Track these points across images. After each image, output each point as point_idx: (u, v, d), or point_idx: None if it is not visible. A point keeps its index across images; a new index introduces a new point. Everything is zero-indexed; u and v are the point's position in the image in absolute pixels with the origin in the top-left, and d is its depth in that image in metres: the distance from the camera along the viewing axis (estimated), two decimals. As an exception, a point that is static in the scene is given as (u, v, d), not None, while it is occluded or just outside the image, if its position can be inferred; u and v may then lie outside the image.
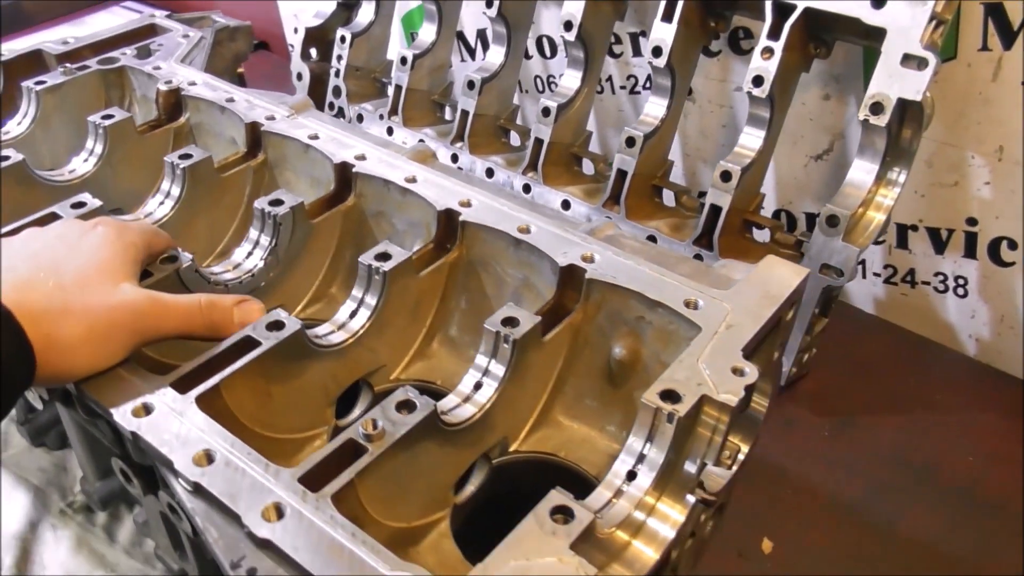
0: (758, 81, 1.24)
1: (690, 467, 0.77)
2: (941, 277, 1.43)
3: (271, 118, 1.18)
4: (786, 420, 1.29)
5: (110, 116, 1.17)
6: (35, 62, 1.33)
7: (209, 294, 0.89)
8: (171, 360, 0.87)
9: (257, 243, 1.01)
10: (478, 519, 0.92)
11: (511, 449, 0.91)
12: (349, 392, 0.95)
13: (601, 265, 0.91)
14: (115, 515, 1.17)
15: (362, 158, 1.09)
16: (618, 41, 1.61)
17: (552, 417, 0.95)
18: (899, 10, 1.13)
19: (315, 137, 1.13)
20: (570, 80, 1.48)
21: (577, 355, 0.94)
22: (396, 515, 0.79)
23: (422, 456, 0.78)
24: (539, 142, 1.47)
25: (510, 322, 0.85)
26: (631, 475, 0.76)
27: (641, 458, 0.76)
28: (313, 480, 0.70)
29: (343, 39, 1.71)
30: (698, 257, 1.31)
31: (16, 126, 1.25)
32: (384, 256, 0.93)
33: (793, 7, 1.21)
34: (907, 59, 1.12)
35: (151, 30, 1.49)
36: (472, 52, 1.84)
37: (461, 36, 1.84)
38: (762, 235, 1.41)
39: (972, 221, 1.34)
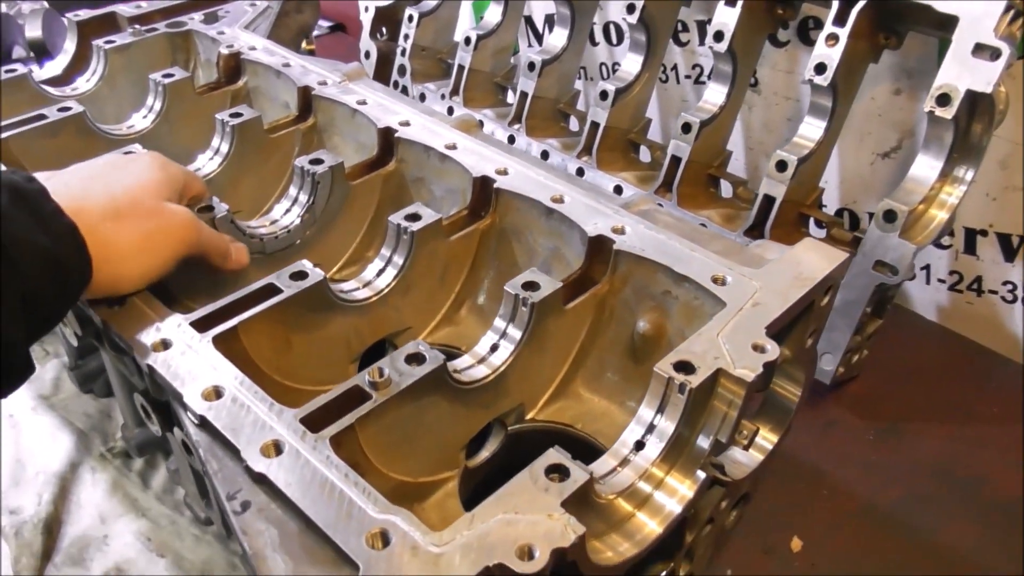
0: (820, 68, 1.20)
1: (703, 442, 0.75)
2: (1010, 286, 1.36)
3: (323, 83, 1.19)
4: (828, 421, 1.25)
5: (170, 75, 1.20)
6: (108, 23, 1.37)
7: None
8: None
9: (296, 200, 1.02)
10: (492, 487, 0.91)
11: (528, 417, 0.90)
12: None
13: (631, 237, 0.90)
14: (151, 463, 1.20)
15: (406, 124, 1.09)
16: (685, 29, 1.58)
17: (572, 388, 0.93)
18: (973, -3, 1.08)
19: (363, 103, 1.14)
20: (631, 64, 1.46)
21: (602, 327, 0.92)
22: (401, 468, 0.78)
23: (429, 411, 0.78)
24: (595, 126, 1.46)
25: (530, 286, 0.84)
26: (639, 445, 0.74)
27: (651, 428, 0.74)
28: (314, 422, 0.70)
29: (410, 18, 1.73)
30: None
31: (84, 82, 1.30)
32: (414, 217, 0.93)
33: (861, -8, 1.17)
34: (979, 49, 1.07)
35: (221, -2, 1.53)
36: (540, 37, 1.83)
37: (529, 21, 1.83)
38: (819, 231, 1.36)
39: (1047, 228, 1.28)
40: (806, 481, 1.16)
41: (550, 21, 1.79)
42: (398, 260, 0.94)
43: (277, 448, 0.68)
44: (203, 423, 0.71)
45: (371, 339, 0.94)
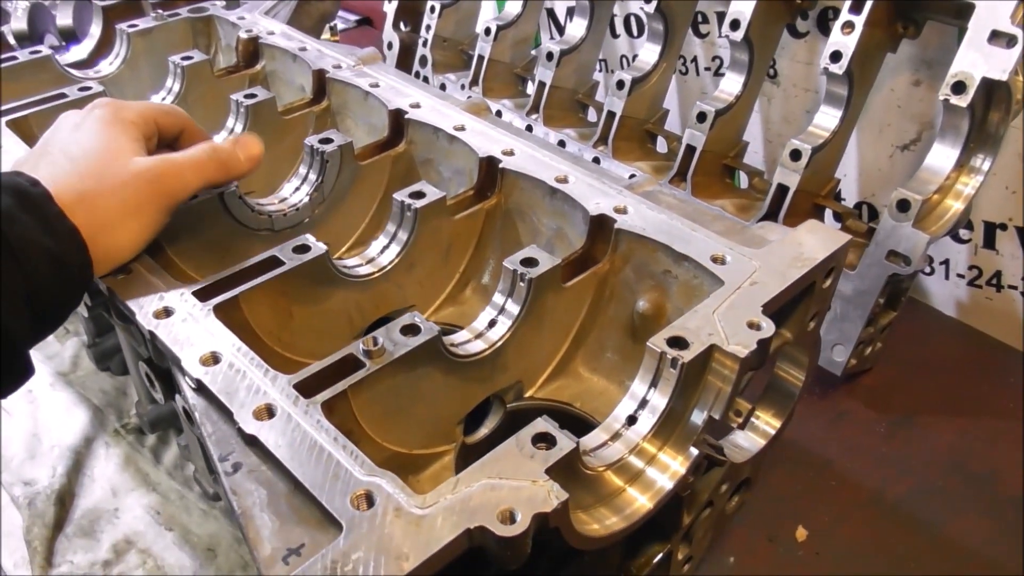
0: (836, 57, 1.20)
1: (696, 418, 0.75)
2: (1030, 282, 1.34)
3: (338, 67, 1.21)
4: (839, 412, 1.24)
5: (189, 57, 1.23)
6: (133, 8, 1.40)
7: (208, 142, 0.92)
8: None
9: (305, 179, 1.03)
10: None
11: (527, 395, 0.91)
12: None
13: (632, 217, 0.90)
14: (163, 439, 1.22)
15: (416, 106, 1.10)
16: (705, 20, 1.58)
17: (572, 367, 0.93)
18: (990, -15, 1.07)
19: (376, 85, 1.15)
20: (648, 54, 1.46)
21: (602, 307, 0.93)
22: (396, 439, 0.79)
23: (424, 382, 0.79)
24: (611, 115, 1.46)
25: (529, 262, 0.84)
26: (631, 419, 0.74)
27: (643, 403, 0.74)
28: (308, 388, 0.71)
29: (432, 9, 1.74)
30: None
31: (108, 66, 1.33)
32: (418, 194, 0.94)
33: (879, -20, 1.16)
34: (995, 36, 1.06)
35: (244, -15, 1.55)
36: (561, 29, 1.84)
37: (551, 13, 1.84)
38: (835, 223, 1.35)
39: (1067, 222, 1.26)
40: (814, 471, 1.15)
41: (571, 13, 1.79)
42: (402, 237, 0.94)
43: (269, 411, 0.69)
44: (200, 387, 0.73)
45: (373, 315, 0.95)
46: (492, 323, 0.84)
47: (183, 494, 1.15)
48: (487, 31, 1.64)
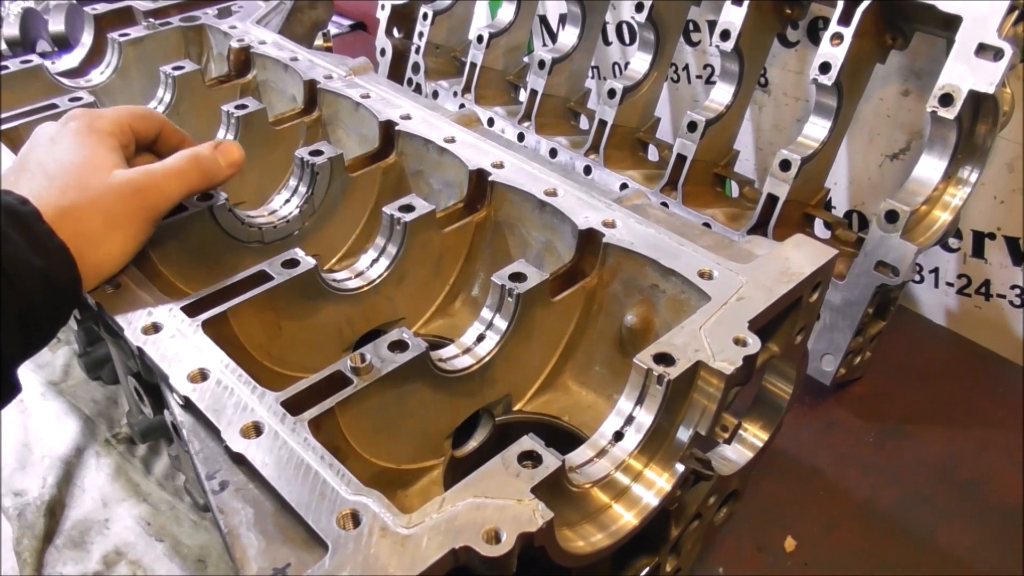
0: (825, 68, 1.20)
1: (682, 435, 0.75)
2: (1018, 291, 1.35)
3: (329, 77, 1.21)
4: (829, 421, 1.24)
5: (180, 67, 1.23)
6: (125, 17, 1.40)
7: (190, 148, 0.92)
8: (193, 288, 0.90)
9: (295, 191, 1.03)
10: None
11: (515, 408, 0.91)
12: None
13: (620, 231, 0.90)
14: (154, 449, 1.22)
15: (407, 118, 1.11)
16: (696, 29, 1.58)
17: (561, 381, 0.94)
18: (977, -3, 1.07)
19: (366, 96, 1.15)
20: (639, 63, 1.47)
21: (591, 320, 0.93)
22: (384, 454, 0.79)
23: (412, 398, 0.79)
24: (602, 124, 1.46)
25: (517, 277, 0.84)
26: (618, 436, 0.75)
27: (630, 420, 0.74)
28: (295, 405, 0.72)
29: (425, 16, 1.74)
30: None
31: (99, 75, 1.33)
32: (408, 208, 0.94)
33: (867, -8, 1.16)
34: (982, 49, 1.07)
35: (236, -7, 1.55)
36: (554, 36, 1.84)
37: (544, 20, 1.84)
38: (825, 232, 1.36)
39: (1055, 232, 1.27)
40: (803, 480, 1.16)
41: (564, 20, 1.79)
42: (391, 250, 0.95)
43: (257, 429, 0.69)
44: (187, 404, 0.73)
45: (364, 328, 0.95)
46: (480, 338, 0.85)
47: (173, 504, 1.15)
48: (479, 38, 1.64)
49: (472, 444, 0.90)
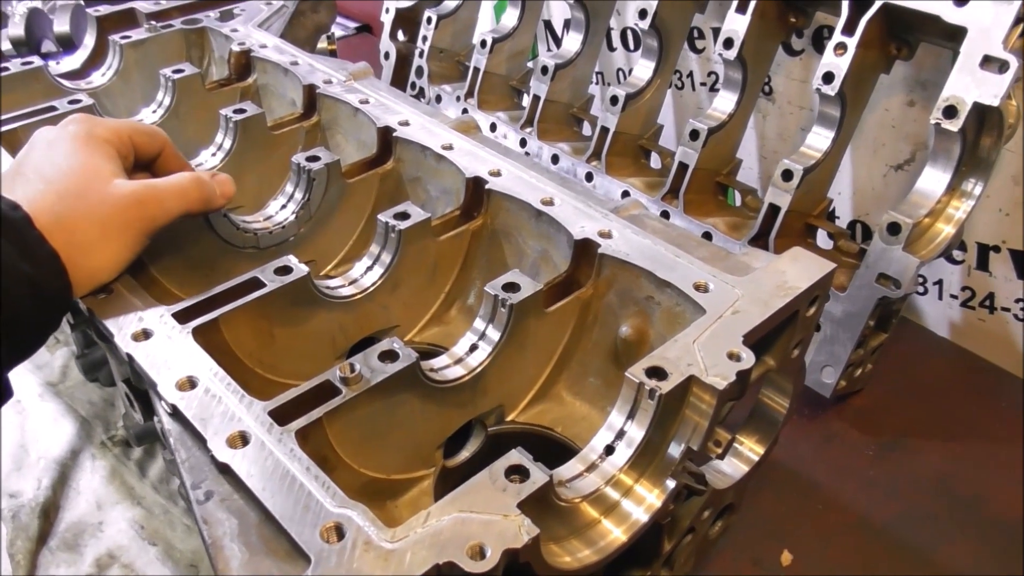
0: (828, 78, 1.19)
1: (674, 450, 0.74)
2: (1022, 304, 1.33)
3: (328, 82, 1.21)
4: (828, 434, 1.23)
5: (180, 70, 1.22)
6: (128, 19, 1.40)
7: (191, 172, 0.92)
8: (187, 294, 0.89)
9: (291, 197, 1.03)
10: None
11: (508, 419, 0.90)
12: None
13: (616, 242, 0.89)
14: (149, 452, 1.21)
15: (405, 124, 1.10)
16: (700, 36, 1.57)
17: (555, 392, 0.93)
18: (982, 9, 1.06)
19: (365, 102, 1.15)
20: (642, 70, 1.46)
21: (585, 331, 0.92)
22: (373, 464, 0.79)
23: (402, 408, 0.78)
24: (604, 131, 1.45)
25: (511, 287, 0.84)
26: (608, 450, 0.74)
27: (621, 434, 0.74)
28: (282, 415, 0.71)
29: (429, 20, 1.74)
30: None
31: (100, 77, 1.33)
32: (403, 215, 0.94)
33: (871, 1, 1.15)
34: (987, 61, 1.05)
35: (238, -5, 1.55)
36: (558, 41, 1.83)
37: (548, 25, 1.83)
38: (827, 242, 1.35)
39: (1061, 245, 1.25)
40: (801, 494, 1.15)
41: (568, 26, 1.79)
42: (385, 258, 0.94)
43: (243, 439, 0.69)
44: (175, 412, 0.72)
45: (357, 336, 0.94)
46: (472, 348, 0.84)
47: (167, 508, 1.14)
48: (483, 43, 1.64)
49: (464, 454, 0.89)
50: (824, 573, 1.05)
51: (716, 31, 1.54)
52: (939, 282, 1.41)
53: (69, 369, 1.36)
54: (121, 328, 0.80)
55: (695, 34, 1.57)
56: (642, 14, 1.40)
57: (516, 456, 0.66)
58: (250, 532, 0.64)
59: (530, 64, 1.71)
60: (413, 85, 1.80)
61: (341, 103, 1.17)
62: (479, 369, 0.83)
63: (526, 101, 1.61)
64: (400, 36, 1.86)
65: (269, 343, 0.87)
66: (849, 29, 1.17)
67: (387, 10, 1.84)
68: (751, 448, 0.96)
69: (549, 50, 1.86)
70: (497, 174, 1.00)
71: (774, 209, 1.25)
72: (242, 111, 1.12)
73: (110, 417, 1.28)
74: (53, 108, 1.12)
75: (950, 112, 1.08)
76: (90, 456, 1.21)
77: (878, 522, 1.11)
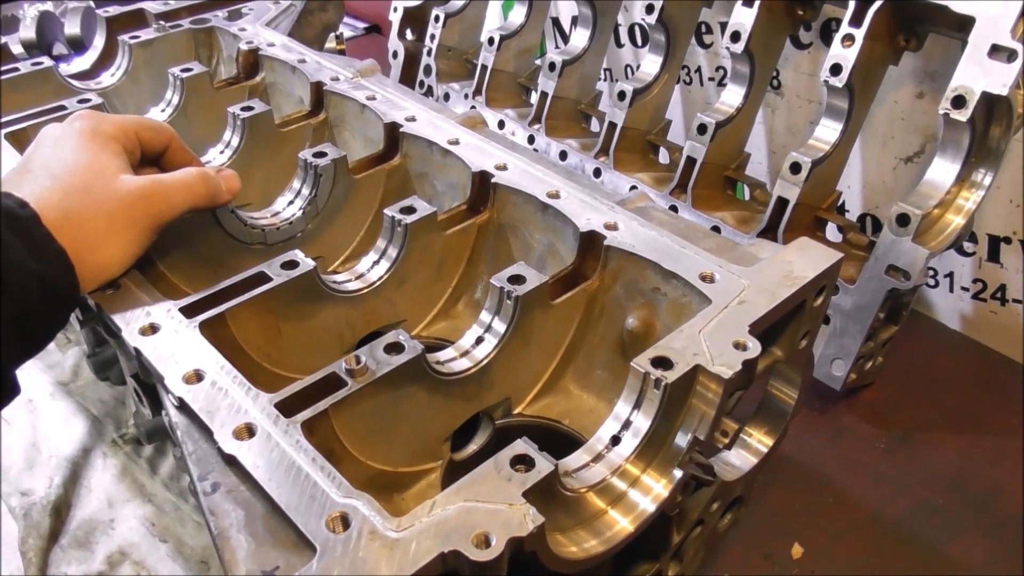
0: (836, 70, 1.18)
1: (680, 440, 0.74)
2: (1034, 296, 1.33)
3: (335, 79, 1.21)
4: (838, 428, 1.22)
5: (188, 69, 1.23)
6: (137, 20, 1.41)
7: (198, 167, 0.92)
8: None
9: (298, 193, 1.03)
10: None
11: (515, 412, 0.90)
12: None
13: (622, 233, 0.89)
14: (160, 450, 1.22)
15: (412, 120, 1.10)
16: (708, 31, 1.57)
17: (562, 384, 0.93)
18: (991, -2, 1.05)
19: (372, 98, 1.15)
20: (650, 65, 1.46)
21: (592, 324, 0.92)
22: (380, 457, 0.79)
23: (408, 401, 0.78)
24: (612, 126, 1.45)
25: (516, 279, 0.84)
26: (615, 440, 0.74)
27: (627, 424, 0.74)
28: (289, 407, 0.71)
29: (437, 18, 1.74)
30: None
31: (109, 77, 1.33)
32: (409, 210, 0.94)
33: (879, -8, 1.15)
34: (995, 50, 1.05)
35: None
36: (566, 38, 1.83)
37: (556, 23, 1.83)
38: (837, 235, 1.34)
39: (1072, 236, 1.24)
40: (811, 488, 1.14)
41: (576, 22, 1.79)
42: (392, 253, 0.94)
43: (250, 431, 0.69)
44: (182, 405, 0.73)
45: (364, 331, 0.95)
46: (479, 341, 0.84)
47: (178, 506, 1.15)
48: (490, 41, 1.64)
49: (472, 448, 0.89)
50: (834, 567, 1.04)
51: (724, 25, 1.53)
52: (950, 274, 1.40)
53: (80, 368, 1.36)
54: (128, 323, 0.80)
55: (703, 29, 1.56)
56: (649, 9, 1.39)
57: (521, 446, 0.66)
58: (256, 523, 0.64)
59: (538, 61, 1.71)
60: (422, 84, 1.81)
61: (348, 100, 1.17)
62: (485, 361, 0.83)
63: (534, 98, 1.61)
64: (408, 35, 1.86)
65: (276, 338, 0.87)
66: (857, 20, 1.16)
67: (395, 9, 1.84)
68: (760, 440, 0.95)
69: (557, 47, 1.86)
70: (503, 168, 1.00)
71: (782, 202, 1.24)
72: (250, 108, 1.12)
73: (121, 416, 1.28)
74: (62, 107, 1.13)
75: (959, 102, 1.07)
76: (101, 454, 1.22)
77: (889, 517, 1.10)
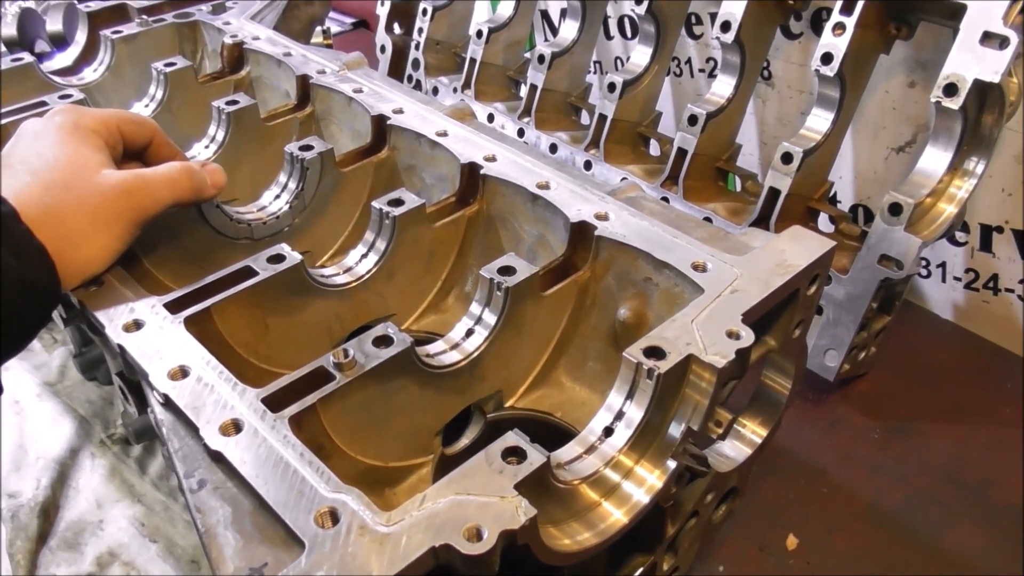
0: (827, 59, 1.18)
1: (674, 430, 0.73)
2: (1027, 285, 1.32)
3: (322, 72, 1.20)
4: (833, 419, 1.22)
5: (172, 64, 1.21)
6: (119, 14, 1.39)
7: (182, 161, 0.91)
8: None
9: (285, 187, 1.02)
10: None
11: (507, 405, 0.89)
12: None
13: (613, 224, 0.88)
14: (149, 449, 1.21)
15: (399, 112, 1.09)
16: (699, 21, 1.56)
17: (554, 377, 0.92)
18: (981, -15, 1.05)
19: (359, 91, 1.14)
20: (640, 56, 1.45)
21: (583, 315, 0.91)
22: (370, 452, 0.78)
23: (398, 394, 0.77)
24: (603, 118, 1.44)
25: (506, 270, 0.83)
26: (607, 431, 0.73)
27: (620, 415, 0.73)
28: (276, 402, 0.70)
29: (424, 12, 1.73)
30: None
31: (91, 72, 1.32)
32: (397, 202, 0.93)
33: (870, -20, 1.14)
34: (987, 37, 1.04)
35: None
36: (555, 31, 1.82)
37: (545, 15, 1.82)
38: (828, 226, 1.34)
39: (1064, 225, 1.24)
40: (806, 479, 1.13)
41: (565, 14, 1.77)
42: (380, 246, 0.93)
43: (236, 427, 0.68)
44: (167, 402, 0.71)
45: (353, 325, 0.93)
46: (469, 333, 0.83)
47: (168, 505, 1.13)
48: (479, 33, 1.63)
49: (463, 442, 0.88)
50: (830, 559, 1.04)
51: (714, 16, 1.53)
52: (942, 264, 1.40)
53: (67, 369, 1.35)
54: (112, 319, 0.79)
55: (693, 19, 1.55)
56: None
57: (513, 438, 0.64)
58: (244, 519, 0.63)
59: (527, 54, 1.69)
60: (410, 78, 1.79)
61: (335, 93, 1.16)
62: (476, 354, 0.82)
63: (523, 91, 1.60)
64: (396, 29, 1.85)
65: (264, 333, 0.86)
66: (847, 9, 1.16)
67: (383, 3, 1.83)
68: (754, 431, 0.95)
69: (546, 40, 1.85)
70: (492, 159, 0.99)
71: (774, 193, 1.24)
72: (235, 102, 1.11)
73: (109, 416, 1.27)
74: (43, 103, 1.11)
75: (951, 90, 1.07)
76: (89, 455, 1.20)
77: (884, 507, 1.10)
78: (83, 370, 1.27)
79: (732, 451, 0.93)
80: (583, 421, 0.88)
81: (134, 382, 0.82)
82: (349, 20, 2.39)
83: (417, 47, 1.76)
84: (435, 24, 1.74)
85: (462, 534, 0.58)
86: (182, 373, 0.73)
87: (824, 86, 1.22)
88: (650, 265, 0.85)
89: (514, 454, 0.64)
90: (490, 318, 0.83)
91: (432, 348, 0.82)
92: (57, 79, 1.27)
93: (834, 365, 1.21)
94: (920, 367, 1.31)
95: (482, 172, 0.97)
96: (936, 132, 1.13)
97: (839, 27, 1.17)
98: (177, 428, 0.70)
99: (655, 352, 0.71)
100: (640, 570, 0.86)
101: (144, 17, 1.34)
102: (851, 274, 1.16)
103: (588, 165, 1.47)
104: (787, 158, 1.21)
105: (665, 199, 1.35)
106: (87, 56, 1.35)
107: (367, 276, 0.92)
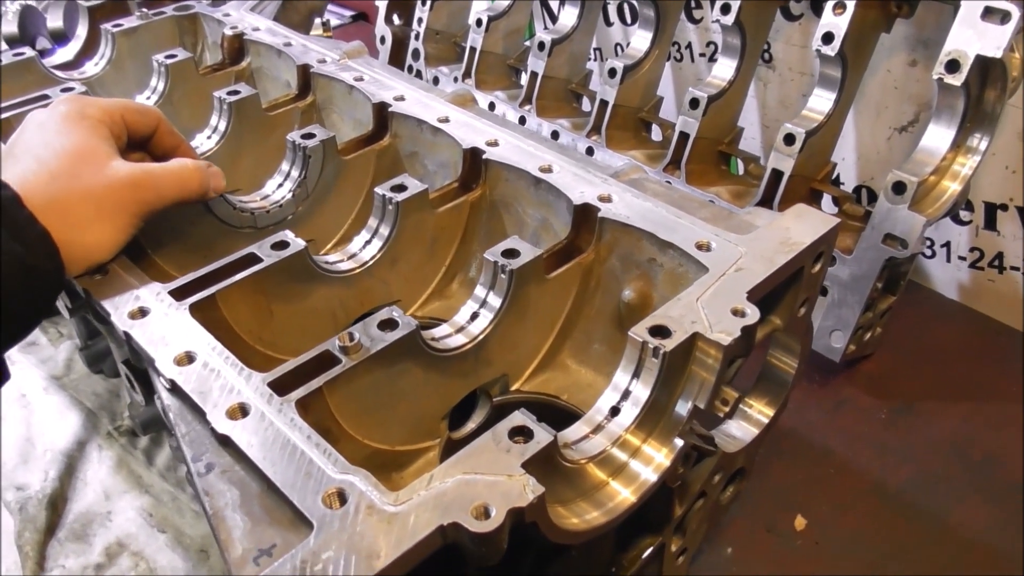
0: (828, 38, 1.17)
1: (681, 409, 0.73)
2: (1032, 263, 1.32)
3: (322, 61, 1.19)
4: (839, 400, 1.22)
5: (173, 56, 1.21)
6: (119, 7, 1.39)
7: (193, 160, 0.91)
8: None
9: (288, 175, 1.02)
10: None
11: (513, 388, 0.89)
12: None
13: (617, 205, 0.88)
14: (156, 440, 1.21)
15: (401, 99, 1.09)
16: (698, 5, 1.56)
17: (559, 359, 0.92)
18: (982, -41, 1.04)
19: (360, 79, 1.14)
20: (640, 41, 1.44)
21: (588, 297, 0.91)
22: (377, 435, 0.78)
23: (404, 378, 0.77)
24: (604, 104, 1.44)
25: (511, 253, 0.82)
26: (614, 411, 0.73)
27: (626, 394, 0.72)
28: (282, 385, 0.70)
29: (423, 2, 1.73)
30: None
31: (93, 66, 1.32)
32: (400, 188, 0.93)
33: (870, -43, 1.13)
34: (988, 12, 1.04)
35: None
36: (555, 18, 1.81)
37: (544, 3, 1.82)
38: (831, 207, 1.33)
39: (1069, 201, 1.24)
40: (813, 460, 1.13)
41: (564, 1, 1.77)
42: (384, 232, 0.93)
43: (243, 410, 0.68)
44: (173, 387, 0.71)
45: (358, 312, 0.93)
46: (474, 316, 0.83)
47: (176, 495, 1.14)
48: (478, 22, 1.62)
49: (470, 426, 0.88)
50: (838, 538, 1.04)
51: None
52: (947, 244, 1.40)
53: (73, 362, 1.35)
54: (117, 307, 0.79)
55: (692, 4, 1.55)
56: (637, -17, 1.38)
57: (520, 417, 0.65)
58: (252, 502, 0.63)
59: (527, 43, 1.69)
60: (411, 68, 1.79)
61: (336, 82, 1.16)
62: (481, 337, 0.82)
63: (524, 79, 1.60)
64: (395, 19, 1.85)
65: (268, 319, 0.86)
66: (847, -13, 1.15)
67: (381, -6, 1.83)
68: (760, 411, 0.95)
69: (545, 27, 1.84)
70: (495, 144, 0.99)
71: (777, 174, 1.23)
72: (236, 92, 1.11)
73: (116, 408, 1.27)
74: (46, 97, 1.11)
75: (952, 66, 1.06)
76: (97, 447, 1.21)
77: (891, 486, 1.10)
78: (89, 363, 1.28)
79: (739, 431, 0.93)
80: (589, 403, 0.87)
81: (140, 370, 0.83)
82: (348, 13, 2.39)
83: (417, 37, 1.75)
84: (435, 14, 1.73)
85: (470, 512, 0.58)
86: (188, 359, 0.73)
87: (825, 66, 1.22)
88: (654, 246, 0.85)
89: (521, 433, 0.64)
90: (495, 301, 0.83)
91: (437, 331, 0.82)
92: (59, 73, 1.26)
93: (840, 346, 1.21)
94: (925, 347, 1.31)
95: (484, 157, 0.97)
96: (939, 109, 1.13)
97: (840, 6, 1.16)
98: (184, 413, 0.70)
99: (660, 331, 0.71)
100: (648, 551, 0.87)
101: (144, 10, 1.34)
102: (855, 254, 1.16)
103: (590, 151, 1.47)
104: (790, 139, 1.21)
105: (668, 183, 1.34)
106: (88, 50, 1.35)
107: (371, 262, 0.92)
